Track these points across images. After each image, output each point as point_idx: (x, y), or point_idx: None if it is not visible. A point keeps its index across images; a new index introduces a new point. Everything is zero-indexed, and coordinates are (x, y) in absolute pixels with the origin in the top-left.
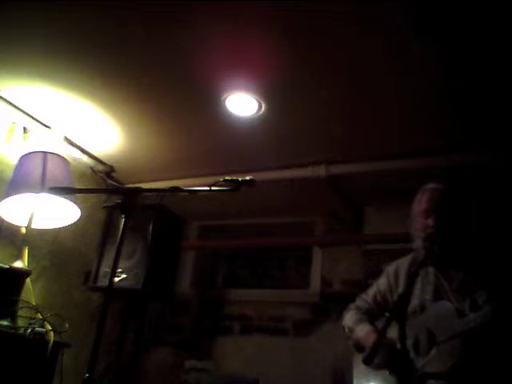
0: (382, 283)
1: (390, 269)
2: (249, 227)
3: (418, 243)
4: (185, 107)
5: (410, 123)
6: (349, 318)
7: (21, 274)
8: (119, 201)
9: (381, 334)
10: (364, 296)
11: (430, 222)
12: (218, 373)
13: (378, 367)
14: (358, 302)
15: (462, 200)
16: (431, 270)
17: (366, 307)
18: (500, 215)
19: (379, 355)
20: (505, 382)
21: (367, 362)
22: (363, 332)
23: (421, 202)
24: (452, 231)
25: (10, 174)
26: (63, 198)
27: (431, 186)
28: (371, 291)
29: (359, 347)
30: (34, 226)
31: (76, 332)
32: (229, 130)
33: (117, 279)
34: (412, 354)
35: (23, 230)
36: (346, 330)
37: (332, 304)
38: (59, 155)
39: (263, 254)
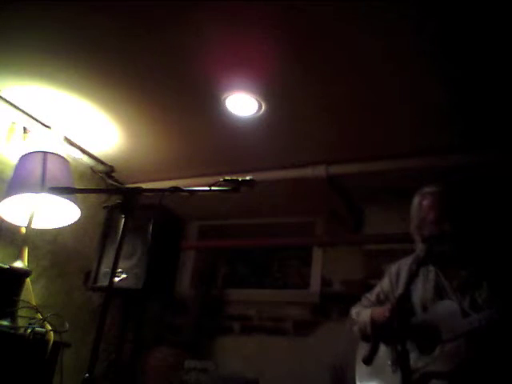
0: (384, 283)
1: (393, 269)
2: (249, 227)
3: (418, 244)
4: (185, 107)
5: (410, 123)
6: (355, 309)
7: (21, 274)
8: (119, 201)
9: (377, 338)
10: (368, 295)
11: (436, 226)
12: (217, 373)
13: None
14: (363, 301)
15: (464, 200)
16: (432, 268)
17: (370, 306)
18: (500, 214)
19: (396, 321)
20: (509, 382)
21: (367, 361)
22: (369, 311)
23: (423, 207)
24: (457, 232)
25: (10, 174)
26: (63, 198)
27: (432, 189)
28: (375, 291)
29: (364, 333)
30: (33, 226)
31: (76, 332)
32: (229, 130)
33: (117, 279)
34: (415, 354)
35: (23, 230)
36: (354, 315)
37: (332, 304)
38: (59, 155)
39: (263, 253)
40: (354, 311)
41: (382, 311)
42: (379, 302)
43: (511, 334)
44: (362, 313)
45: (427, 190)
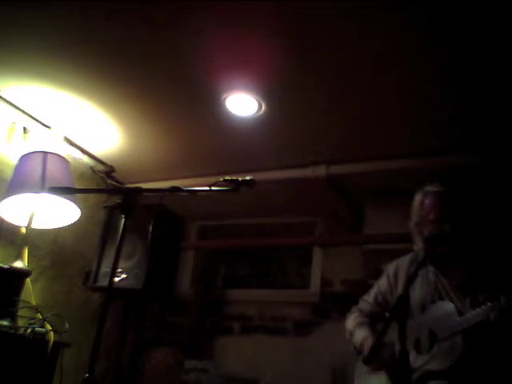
0: (382, 284)
1: (390, 269)
2: (249, 227)
3: (418, 244)
4: (185, 107)
5: (410, 123)
6: (350, 321)
7: (21, 274)
8: (119, 201)
9: (378, 338)
10: (365, 297)
11: (436, 225)
12: (217, 373)
13: (377, 370)
14: (361, 305)
15: (464, 200)
16: (431, 269)
17: (369, 309)
18: (499, 214)
19: (378, 359)
20: (505, 379)
21: (367, 362)
22: (361, 337)
23: (424, 206)
24: (457, 232)
25: (9, 174)
26: (63, 198)
27: (434, 188)
28: (372, 292)
29: (358, 351)
30: (33, 226)
31: (76, 332)
32: (229, 130)
33: (117, 279)
34: (413, 354)
35: (23, 230)
36: (347, 333)
37: (332, 304)
38: (59, 155)
39: (263, 254)
40: (349, 320)
41: (369, 344)
42: (377, 304)
43: (508, 330)
44: (356, 334)
45: (430, 188)
